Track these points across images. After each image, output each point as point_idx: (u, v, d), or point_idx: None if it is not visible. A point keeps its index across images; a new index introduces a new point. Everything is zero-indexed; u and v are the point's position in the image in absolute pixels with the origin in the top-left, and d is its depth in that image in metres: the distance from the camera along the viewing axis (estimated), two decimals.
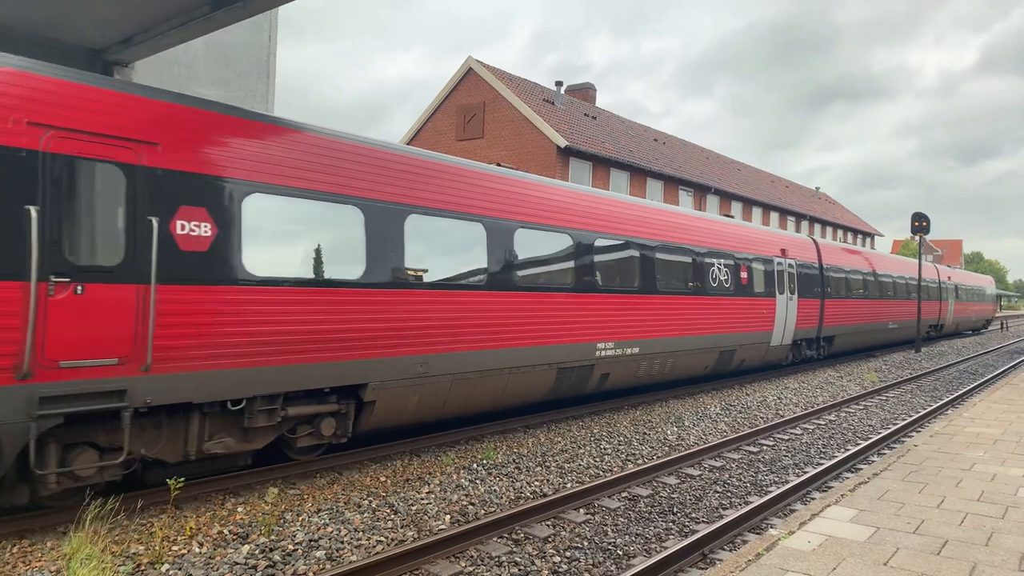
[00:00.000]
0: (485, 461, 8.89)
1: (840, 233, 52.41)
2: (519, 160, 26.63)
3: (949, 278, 34.12)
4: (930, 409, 13.57)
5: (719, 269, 14.95)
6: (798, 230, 44.15)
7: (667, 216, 13.99)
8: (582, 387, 11.70)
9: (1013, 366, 23.38)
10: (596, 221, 11.77)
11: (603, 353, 11.69)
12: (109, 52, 11.25)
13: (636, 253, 12.55)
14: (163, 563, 5.54)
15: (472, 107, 29.47)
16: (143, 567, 5.49)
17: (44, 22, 10.23)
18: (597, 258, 11.61)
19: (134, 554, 5.69)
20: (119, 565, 5.46)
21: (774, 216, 41.90)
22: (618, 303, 11.96)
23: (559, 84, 32.16)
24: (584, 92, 35.97)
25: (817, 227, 47.68)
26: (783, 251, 18.04)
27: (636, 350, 12.37)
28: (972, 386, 17.42)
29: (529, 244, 10.36)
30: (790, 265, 18.20)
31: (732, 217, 18.74)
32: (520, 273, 10.13)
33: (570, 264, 11.06)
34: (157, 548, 5.74)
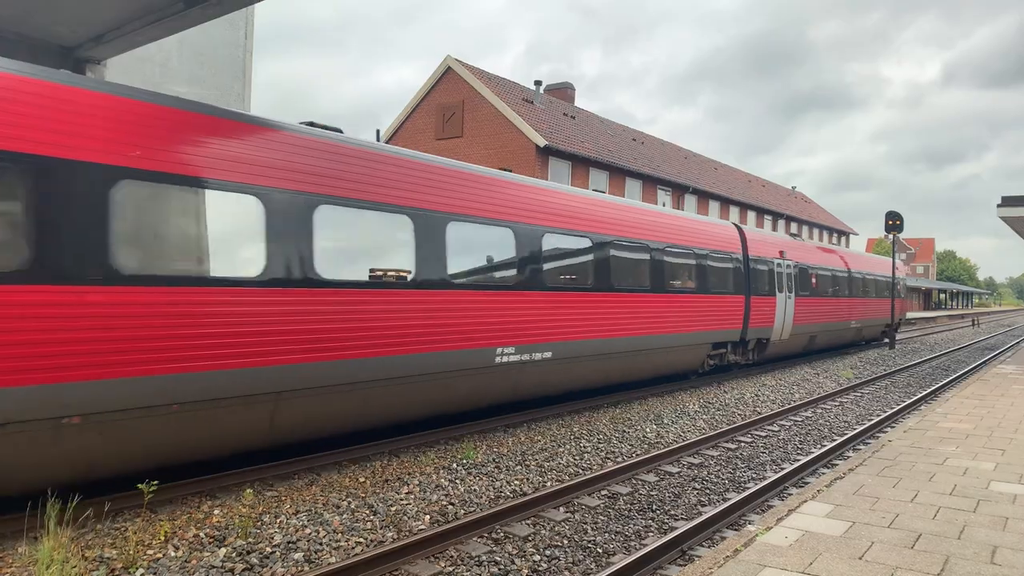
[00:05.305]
0: (465, 461, 8.87)
1: (816, 232, 53.02)
2: (499, 159, 26.60)
3: (781, 253, 19.57)
4: (904, 405, 13.78)
5: None
6: (775, 229, 44.48)
7: None
8: None
9: (984, 362, 23.79)
10: None
11: None
12: (81, 49, 11.06)
13: None
14: (137, 567, 5.46)
15: (451, 106, 29.38)
16: (116, 572, 5.41)
17: (13, 18, 10.03)
18: None
19: (107, 559, 5.60)
20: (92, 570, 5.37)
21: (751, 215, 42.29)
22: None
23: (538, 83, 32.16)
24: (563, 92, 36.01)
25: (794, 226, 48.18)
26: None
27: None
28: (945, 382, 17.71)
29: None
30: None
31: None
32: None
33: None
34: (131, 552, 5.65)
